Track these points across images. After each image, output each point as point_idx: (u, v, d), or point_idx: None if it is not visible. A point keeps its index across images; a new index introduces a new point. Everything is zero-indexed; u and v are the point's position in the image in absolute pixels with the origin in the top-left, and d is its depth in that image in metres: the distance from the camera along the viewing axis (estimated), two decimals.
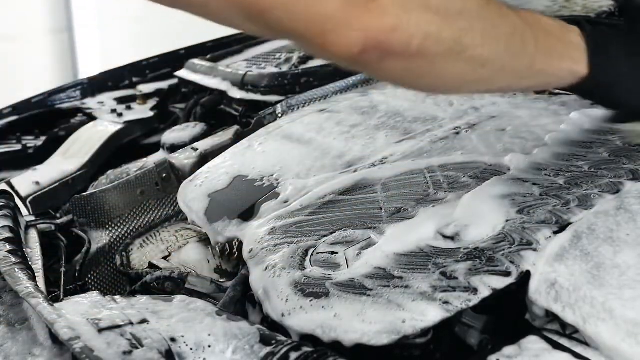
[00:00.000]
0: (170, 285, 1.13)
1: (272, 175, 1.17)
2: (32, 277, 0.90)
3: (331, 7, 0.67)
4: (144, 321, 0.78)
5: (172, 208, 1.39)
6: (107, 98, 1.85)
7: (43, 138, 1.65)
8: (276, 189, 1.11)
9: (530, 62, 0.78)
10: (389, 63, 0.71)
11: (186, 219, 1.22)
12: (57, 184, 1.40)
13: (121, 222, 1.35)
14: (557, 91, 1.52)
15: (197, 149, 1.42)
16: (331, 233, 0.96)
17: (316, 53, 0.76)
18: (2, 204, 1.11)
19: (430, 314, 0.77)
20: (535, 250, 0.84)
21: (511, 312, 0.82)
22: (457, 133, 1.22)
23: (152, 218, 1.38)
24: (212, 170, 1.24)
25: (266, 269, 0.90)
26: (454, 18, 0.71)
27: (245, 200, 1.12)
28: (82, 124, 1.69)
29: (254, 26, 0.71)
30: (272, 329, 0.81)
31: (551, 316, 0.77)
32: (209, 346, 0.75)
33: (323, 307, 0.80)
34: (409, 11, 0.68)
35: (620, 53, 0.82)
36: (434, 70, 0.74)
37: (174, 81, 1.89)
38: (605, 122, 0.97)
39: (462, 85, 0.82)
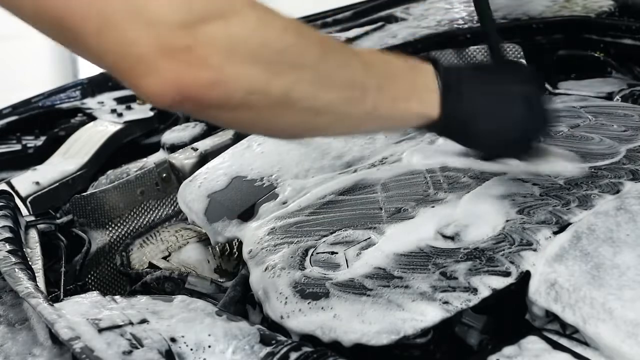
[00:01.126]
0: (170, 285, 1.13)
1: (272, 176, 1.17)
2: (32, 277, 0.90)
3: (144, 49, 0.60)
4: (144, 321, 0.78)
5: (172, 208, 1.39)
6: (107, 98, 1.84)
7: (43, 138, 1.65)
8: (275, 190, 1.11)
9: (372, 108, 0.74)
10: (210, 112, 0.67)
11: (186, 219, 1.22)
12: (57, 184, 1.39)
13: (121, 222, 1.35)
14: (557, 91, 1.53)
15: (197, 149, 1.42)
16: (331, 233, 0.96)
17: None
18: (2, 204, 1.11)
19: (430, 314, 0.77)
20: (535, 250, 0.84)
21: (511, 312, 0.82)
22: None
23: (152, 218, 1.38)
24: (211, 171, 1.24)
25: (266, 269, 0.90)
26: (284, 71, 0.67)
27: (245, 200, 1.12)
28: (82, 124, 1.69)
29: (72, 49, 0.64)
30: (272, 329, 0.81)
31: (551, 316, 0.77)
32: (209, 346, 0.75)
33: (322, 308, 0.80)
34: (234, 64, 0.63)
35: (474, 93, 0.80)
36: (262, 120, 0.71)
37: None
38: (476, 158, 0.96)
39: (300, 133, 0.79)
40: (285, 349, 0.74)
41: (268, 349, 0.74)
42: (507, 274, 0.81)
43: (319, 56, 0.70)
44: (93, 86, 1.89)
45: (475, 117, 0.80)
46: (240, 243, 1.03)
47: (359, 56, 0.75)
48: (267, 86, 0.66)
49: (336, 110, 0.72)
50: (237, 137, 1.42)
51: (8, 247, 0.97)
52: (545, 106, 0.88)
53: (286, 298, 0.83)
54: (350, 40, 1.83)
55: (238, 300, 0.99)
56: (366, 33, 1.90)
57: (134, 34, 0.59)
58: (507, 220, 0.91)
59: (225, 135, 1.46)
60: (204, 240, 1.29)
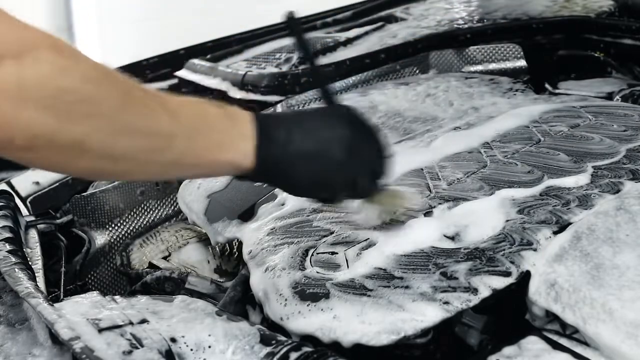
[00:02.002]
0: (170, 285, 1.13)
1: None
2: (32, 277, 0.90)
3: None
4: (144, 321, 0.78)
5: (172, 208, 1.39)
6: None
7: None
8: (274, 190, 1.11)
9: (179, 157, 0.73)
10: (2, 151, 0.65)
11: (186, 219, 1.22)
12: (57, 184, 1.39)
13: (121, 222, 1.35)
14: (557, 91, 1.53)
15: None
16: (331, 233, 0.96)
17: None
18: (2, 204, 1.11)
19: (431, 314, 0.77)
20: (535, 250, 0.84)
21: (511, 312, 0.82)
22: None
23: (152, 218, 1.38)
24: None
25: (266, 270, 0.90)
26: (77, 120, 0.65)
27: (245, 200, 1.12)
28: None
29: None
30: (273, 328, 0.81)
31: (551, 316, 0.77)
32: (209, 346, 0.75)
33: (322, 309, 0.80)
34: (19, 109, 0.61)
35: (289, 139, 0.79)
36: (53, 163, 0.69)
37: (174, 81, 1.89)
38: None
39: (99, 176, 0.78)
40: (285, 349, 0.74)
41: (268, 349, 0.74)
42: (507, 274, 0.81)
43: (119, 106, 0.68)
44: None
45: (292, 162, 0.79)
46: (240, 243, 1.03)
47: (167, 105, 0.73)
48: (56, 133, 0.64)
49: (136, 158, 0.71)
50: None
51: (8, 247, 0.97)
52: (370, 145, 0.85)
53: (285, 300, 0.83)
54: (350, 40, 1.83)
55: (238, 300, 0.99)
56: (366, 33, 1.90)
57: None
58: (507, 220, 0.91)
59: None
60: (204, 240, 1.29)
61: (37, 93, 0.62)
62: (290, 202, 1.05)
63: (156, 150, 0.71)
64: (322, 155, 0.80)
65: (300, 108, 1.51)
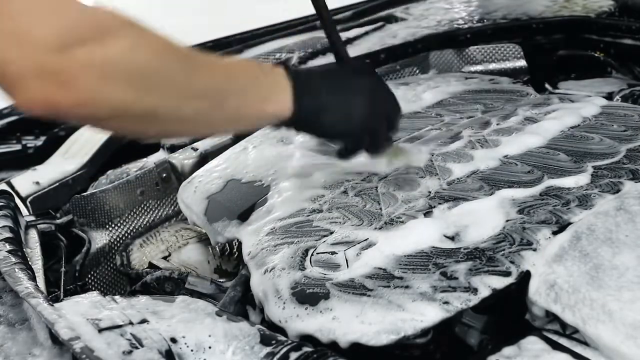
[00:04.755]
0: (170, 285, 1.13)
1: (269, 178, 1.16)
2: (32, 277, 0.90)
3: (19, 69, 0.65)
4: (144, 321, 0.78)
5: (172, 208, 1.39)
6: None
7: (43, 138, 1.65)
8: (267, 195, 1.10)
9: (233, 112, 0.83)
10: (84, 121, 0.75)
11: (186, 219, 1.22)
12: (57, 184, 1.39)
13: (121, 222, 1.35)
14: (557, 91, 1.53)
15: (197, 149, 1.42)
16: (331, 233, 0.96)
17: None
18: (2, 204, 1.11)
19: (431, 314, 0.77)
20: (535, 250, 0.84)
21: (511, 312, 0.82)
22: (458, 133, 1.22)
23: (152, 218, 1.38)
24: (207, 174, 1.23)
25: (265, 271, 0.90)
26: (152, 91, 0.72)
27: (244, 201, 1.12)
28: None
29: None
30: (273, 328, 0.81)
31: (551, 316, 0.77)
32: (209, 347, 0.75)
33: (321, 311, 0.80)
34: (104, 85, 0.68)
35: (320, 91, 0.89)
36: (128, 129, 0.80)
37: None
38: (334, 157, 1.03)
39: (170, 136, 0.94)
40: (285, 349, 0.74)
41: (268, 349, 0.74)
42: (507, 273, 0.81)
43: (184, 75, 0.75)
44: None
45: (323, 110, 0.89)
46: (240, 243, 1.03)
47: (222, 67, 0.82)
48: (132, 105, 0.71)
49: (200, 117, 0.80)
50: (237, 138, 1.42)
51: (8, 247, 0.97)
52: (386, 97, 0.97)
53: (284, 303, 0.83)
54: (350, 40, 1.83)
55: (238, 300, 0.99)
56: (366, 33, 1.90)
57: (11, 54, 0.64)
58: (507, 220, 0.91)
59: (225, 135, 1.46)
60: (204, 240, 1.28)
61: (119, 70, 0.68)
62: (279, 209, 1.05)
63: (216, 107, 0.80)
64: (347, 101, 0.91)
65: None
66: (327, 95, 0.90)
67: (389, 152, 1.04)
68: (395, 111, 0.99)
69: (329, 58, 1.73)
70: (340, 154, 0.98)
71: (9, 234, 1.02)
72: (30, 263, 0.97)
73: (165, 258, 1.28)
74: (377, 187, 1.05)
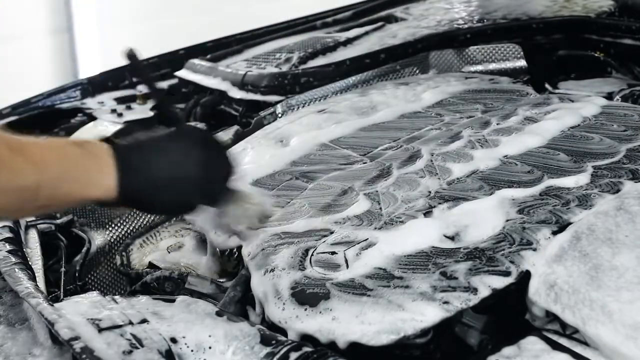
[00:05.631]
0: (170, 285, 1.13)
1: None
2: (32, 277, 0.90)
3: None
4: (144, 321, 0.78)
5: None
6: (107, 98, 1.84)
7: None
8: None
9: (47, 203, 0.80)
10: None
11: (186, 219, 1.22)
12: None
13: (121, 222, 1.35)
14: (556, 91, 1.53)
15: None
16: (331, 233, 0.96)
17: None
18: None
19: (430, 314, 0.77)
20: (535, 250, 0.84)
21: (511, 312, 0.82)
22: (458, 133, 1.22)
23: (152, 218, 1.38)
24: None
25: (265, 272, 0.90)
26: None
27: None
28: (82, 124, 1.68)
29: None
30: (273, 328, 0.81)
31: (551, 316, 0.77)
32: (210, 347, 0.75)
33: (320, 312, 0.80)
34: None
35: (149, 169, 0.85)
36: None
37: (174, 81, 1.89)
38: None
39: None
40: (285, 349, 0.74)
41: (268, 349, 0.74)
42: (507, 273, 0.81)
43: None
44: (93, 86, 1.89)
45: (152, 190, 0.85)
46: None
47: (32, 158, 0.78)
48: None
49: (10, 209, 0.79)
50: (237, 138, 1.42)
51: (8, 247, 0.97)
52: (221, 161, 0.91)
53: (284, 303, 0.83)
54: (350, 40, 1.83)
55: (238, 300, 0.99)
56: (366, 33, 1.90)
57: None
58: (507, 220, 0.91)
59: (225, 135, 1.46)
60: (204, 240, 1.28)
61: None
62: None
63: (26, 200, 0.78)
64: (180, 177, 0.87)
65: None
66: (157, 172, 0.85)
67: (233, 200, 0.95)
68: (230, 171, 0.92)
69: (329, 58, 1.73)
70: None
71: (9, 234, 1.02)
72: (30, 263, 0.97)
73: (164, 258, 1.27)
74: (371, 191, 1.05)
